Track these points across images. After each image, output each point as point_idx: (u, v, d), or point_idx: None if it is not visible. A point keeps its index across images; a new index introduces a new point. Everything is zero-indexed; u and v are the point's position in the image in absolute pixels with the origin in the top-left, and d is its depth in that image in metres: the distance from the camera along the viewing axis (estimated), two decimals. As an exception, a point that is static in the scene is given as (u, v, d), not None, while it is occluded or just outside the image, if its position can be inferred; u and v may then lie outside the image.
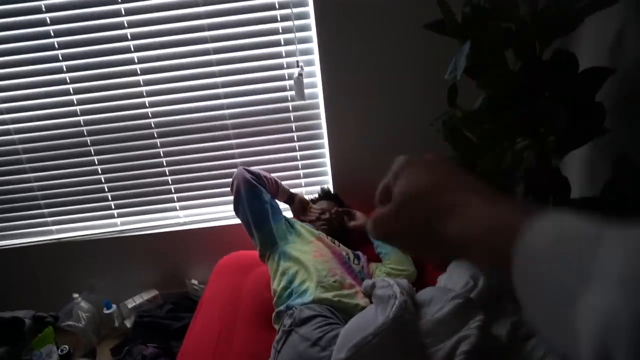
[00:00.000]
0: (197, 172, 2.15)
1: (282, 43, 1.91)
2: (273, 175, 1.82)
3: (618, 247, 0.29)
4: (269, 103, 2.01)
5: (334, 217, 1.85)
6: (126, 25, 1.88)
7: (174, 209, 2.24)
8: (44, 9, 1.85)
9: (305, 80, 1.92)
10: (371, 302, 1.28)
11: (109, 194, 2.19)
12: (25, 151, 2.08)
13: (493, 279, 1.24)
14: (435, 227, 0.40)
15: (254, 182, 1.63)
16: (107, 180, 2.16)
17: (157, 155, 2.11)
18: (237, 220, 1.72)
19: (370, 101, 1.95)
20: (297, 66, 1.91)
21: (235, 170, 2.08)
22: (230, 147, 2.09)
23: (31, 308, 2.16)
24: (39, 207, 2.21)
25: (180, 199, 2.21)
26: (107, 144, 2.08)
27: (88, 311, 2.19)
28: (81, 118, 2.03)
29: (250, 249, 1.86)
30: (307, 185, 2.17)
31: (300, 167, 2.15)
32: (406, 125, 1.97)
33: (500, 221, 0.36)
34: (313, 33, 1.87)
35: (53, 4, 1.85)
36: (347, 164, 2.08)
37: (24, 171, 2.13)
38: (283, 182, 1.87)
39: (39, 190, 2.17)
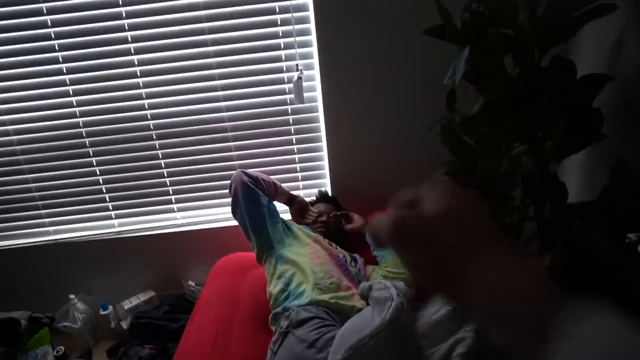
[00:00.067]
0: (195, 174, 2.15)
1: (282, 47, 1.92)
2: (272, 177, 1.82)
3: None
4: (268, 106, 2.02)
5: (332, 221, 1.86)
6: (127, 28, 1.88)
7: (172, 211, 2.24)
8: (45, 12, 1.86)
9: (305, 84, 1.93)
10: (368, 304, 1.28)
11: (106, 195, 2.19)
12: (23, 152, 2.08)
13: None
14: (457, 261, 0.38)
15: (251, 185, 1.63)
16: (105, 182, 2.16)
17: (156, 157, 2.11)
18: (235, 222, 1.72)
19: (369, 105, 1.96)
20: (297, 70, 1.92)
21: (233, 172, 2.09)
22: (228, 149, 2.10)
23: (27, 309, 2.15)
24: (36, 207, 2.20)
25: (178, 201, 2.22)
26: (105, 145, 2.08)
27: (84, 312, 2.18)
28: (80, 119, 2.03)
29: (247, 251, 1.86)
30: (305, 188, 2.18)
31: (298, 169, 2.15)
32: (404, 129, 1.99)
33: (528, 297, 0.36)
34: (313, 37, 1.88)
35: (54, 6, 1.85)
36: (345, 168, 2.09)
37: (22, 172, 2.12)
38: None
39: (36, 191, 2.17)
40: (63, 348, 1.97)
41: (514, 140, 1.36)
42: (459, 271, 0.38)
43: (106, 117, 2.03)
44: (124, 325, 2.21)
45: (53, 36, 1.90)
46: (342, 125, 2.00)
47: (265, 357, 1.31)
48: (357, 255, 1.74)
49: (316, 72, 1.93)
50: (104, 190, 2.18)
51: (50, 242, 2.25)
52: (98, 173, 2.14)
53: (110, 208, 2.22)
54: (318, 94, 1.98)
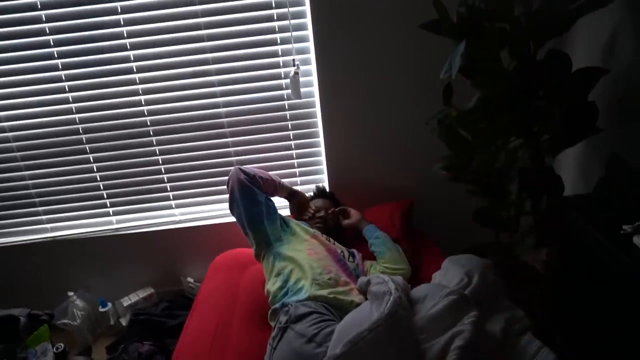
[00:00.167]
0: (192, 170, 2.15)
1: (279, 42, 1.91)
2: (271, 173, 1.81)
3: None
4: (265, 102, 2.02)
5: (330, 217, 1.86)
6: (122, 23, 1.87)
7: (170, 207, 2.24)
8: (39, 7, 1.85)
9: (302, 79, 1.93)
10: (366, 299, 1.29)
11: (104, 192, 2.19)
12: (20, 149, 2.08)
13: (488, 276, 1.26)
14: None
15: (247, 183, 1.62)
16: (103, 178, 2.16)
17: (153, 154, 2.11)
18: (233, 218, 1.72)
19: (366, 100, 1.96)
20: (294, 65, 1.91)
21: (231, 168, 2.09)
22: (226, 145, 2.10)
23: (26, 306, 2.15)
24: (33, 205, 2.20)
25: (176, 197, 2.22)
26: (102, 142, 2.08)
27: (83, 309, 2.19)
28: (77, 116, 2.03)
29: (245, 247, 1.87)
30: (303, 183, 2.18)
31: (296, 165, 2.16)
32: (401, 123, 1.99)
33: None
34: (309, 32, 1.87)
35: (52, 13, 1.85)
36: (342, 162, 2.10)
37: (19, 169, 2.12)
38: (279, 180, 1.87)
39: (33, 188, 2.17)
40: (62, 345, 1.97)
41: (510, 134, 1.37)
42: None
43: (103, 114, 2.03)
44: (123, 322, 2.22)
45: (48, 32, 1.89)
46: (339, 120, 2.00)
47: (265, 353, 1.32)
48: (355, 251, 1.75)
49: (313, 67, 1.93)
50: (102, 187, 2.17)
51: (48, 239, 2.25)
52: (95, 170, 2.13)
53: (108, 205, 2.22)
54: (315, 89, 1.98)
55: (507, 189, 1.43)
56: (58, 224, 2.25)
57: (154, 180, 2.17)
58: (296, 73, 1.89)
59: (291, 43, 1.90)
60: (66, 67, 1.94)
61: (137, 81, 1.97)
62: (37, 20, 1.87)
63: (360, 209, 1.93)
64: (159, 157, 2.12)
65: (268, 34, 1.90)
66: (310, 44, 1.90)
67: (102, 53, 1.92)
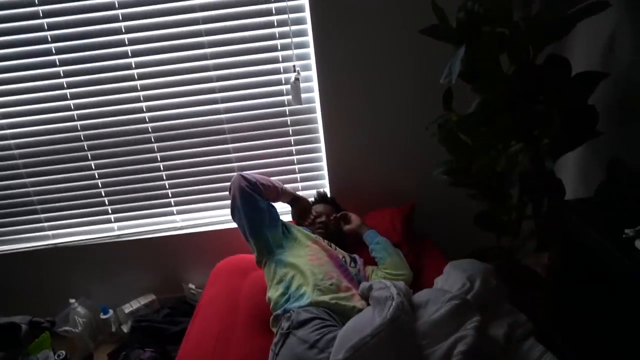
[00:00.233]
0: (194, 176, 2.15)
1: (279, 48, 1.92)
2: (273, 179, 1.81)
3: None
4: (266, 107, 2.02)
5: (332, 222, 1.86)
6: (123, 30, 1.89)
7: (171, 214, 2.24)
8: (41, 15, 1.86)
9: (302, 85, 1.94)
10: (368, 305, 1.29)
11: (105, 199, 2.19)
12: (22, 156, 2.08)
13: (491, 281, 1.25)
14: None
15: (248, 190, 1.61)
16: (104, 185, 2.16)
17: (154, 160, 2.11)
18: (234, 224, 1.72)
19: (367, 105, 1.97)
20: (294, 71, 1.92)
21: (233, 174, 2.09)
22: (227, 151, 2.10)
23: (27, 313, 2.15)
24: (35, 212, 2.20)
25: (177, 204, 2.22)
26: (103, 149, 2.08)
27: (85, 316, 2.18)
28: (78, 123, 2.03)
29: (247, 253, 1.86)
30: (304, 188, 2.18)
31: (297, 170, 2.16)
32: (402, 128, 1.99)
33: None
34: (309, 38, 1.88)
35: (50, 9, 1.86)
36: (343, 168, 2.10)
37: (21, 176, 2.12)
38: (281, 186, 1.88)
39: (35, 195, 2.17)
40: (64, 352, 1.97)
41: (510, 138, 1.37)
42: None
43: (104, 120, 2.03)
44: (125, 328, 2.21)
45: (49, 39, 1.90)
46: (340, 125, 2.00)
47: (267, 359, 1.32)
48: (356, 256, 1.75)
49: (313, 72, 1.94)
50: (103, 194, 2.18)
51: (49, 246, 2.25)
52: (97, 176, 2.14)
53: (110, 211, 2.22)
54: (316, 95, 1.98)
55: (508, 193, 1.43)
56: (59, 231, 2.26)
57: (155, 186, 2.17)
58: (297, 79, 1.90)
59: (291, 49, 1.91)
60: (68, 74, 1.95)
61: (139, 88, 1.98)
62: (39, 28, 1.88)
63: (361, 213, 1.93)
64: (161, 164, 2.12)
65: (268, 40, 1.91)
66: (311, 50, 1.90)
67: (104, 60, 1.93)
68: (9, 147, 2.06)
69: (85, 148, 2.08)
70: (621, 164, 1.33)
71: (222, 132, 2.06)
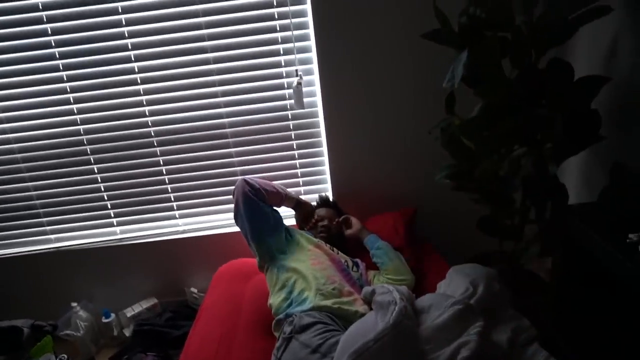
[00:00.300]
0: (196, 180, 2.16)
1: (281, 52, 1.93)
2: (277, 184, 1.81)
3: None
4: (269, 112, 2.03)
5: (334, 226, 1.86)
6: (127, 35, 1.89)
7: (174, 217, 2.24)
8: (45, 20, 1.87)
9: (304, 89, 1.94)
10: (370, 309, 1.28)
11: (108, 203, 2.19)
12: (24, 160, 2.09)
13: (494, 285, 1.25)
14: None
15: (251, 195, 1.62)
16: (107, 189, 2.16)
17: (157, 164, 2.12)
18: (236, 228, 1.72)
19: (369, 109, 1.97)
20: (296, 75, 1.93)
21: (235, 178, 2.09)
22: (229, 155, 2.10)
23: (29, 317, 2.15)
24: (37, 215, 2.21)
25: (179, 207, 2.22)
26: (106, 153, 2.09)
27: (87, 320, 2.18)
28: (81, 127, 2.04)
29: (249, 257, 1.86)
30: (306, 193, 2.18)
31: (299, 174, 2.16)
32: (404, 132, 1.99)
33: None
34: (312, 43, 1.89)
35: (54, 14, 1.87)
36: (346, 171, 2.10)
37: (23, 180, 2.13)
38: (283, 190, 1.87)
39: (37, 199, 2.17)
40: (66, 356, 1.97)
41: (513, 142, 1.37)
42: None
43: (107, 124, 2.04)
44: (127, 332, 2.21)
45: (53, 44, 1.91)
46: (342, 129, 2.01)
47: (269, 363, 1.32)
48: (358, 260, 1.74)
49: (316, 77, 1.94)
50: (106, 198, 2.18)
51: (52, 249, 2.25)
52: (99, 180, 2.14)
53: (112, 215, 2.22)
54: (318, 99, 1.99)
55: (511, 197, 1.43)
56: (62, 235, 2.26)
57: (157, 190, 2.17)
58: (299, 83, 1.90)
59: (294, 53, 1.92)
60: (71, 78, 1.96)
61: (141, 92, 1.99)
62: (43, 33, 1.89)
63: (363, 217, 1.93)
64: (163, 168, 2.12)
65: (271, 44, 1.92)
66: (313, 54, 1.91)
67: (107, 65, 1.94)
68: (12, 151, 2.07)
69: (88, 152, 2.08)
70: (624, 168, 1.33)
71: (225, 136, 2.06)
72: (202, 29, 1.88)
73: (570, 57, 1.49)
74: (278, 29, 1.89)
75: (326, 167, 2.12)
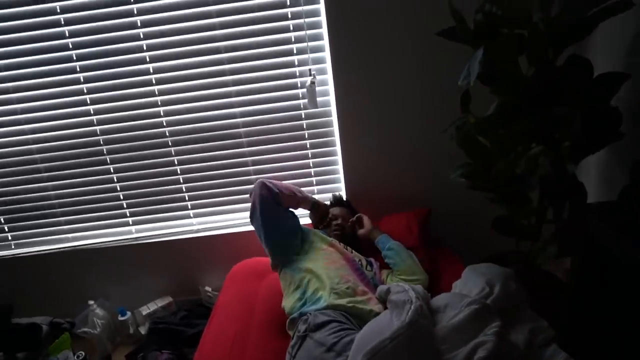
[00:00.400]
0: (210, 179, 2.17)
1: (295, 52, 1.93)
2: (294, 186, 1.81)
3: None
4: (282, 111, 2.03)
5: (348, 225, 1.86)
6: (142, 36, 1.92)
7: (188, 217, 2.26)
8: (62, 23, 1.90)
9: (318, 89, 1.94)
10: (385, 308, 1.28)
11: (124, 202, 2.22)
12: (43, 160, 2.13)
13: (510, 285, 1.23)
14: None
15: (268, 198, 1.62)
16: (122, 189, 2.19)
17: (171, 164, 2.14)
18: (250, 227, 1.73)
19: (383, 108, 1.96)
20: (310, 75, 1.93)
21: (248, 177, 2.10)
22: (243, 155, 2.11)
23: (48, 314, 2.19)
24: (55, 215, 2.25)
25: (193, 207, 2.24)
26: (122, 153, 2.12)
27: (103, 318, 2.21)
28: (97, 127, 2.07)
29: (263, 256, 1.87)
30: (320, 192, 2.18)
31: (313, 174, 2.16)
32: (418, 131, 1.98)
33: None
34: (325, 42, 1.89)
35: (71, 17, 1.90)
36: (359, 171, 2.09)
37: (41, 179, 2.17)
38: (296, 190, 1.87)
39: (55, 198, 2.21)
40: (83, 353, 2.00)
41: (530, 140, 1.35)
42: None
43: (123, 125, 2.07)
44: (142, 330, 2.24)
45: (70, 46, 1.94)
46: (355, 128, 2.00)
47: (283, 361, 1.32)
48: (372, 260, 1.74)
49: (329, 76, 1.94)
50: (121, 197, 2.21)
51: (69, 248, 2.29)
52: (115, 180, 2.17)
53: (128, 214, 2.25)
54: (331, 99, 1.98)
55: (528, 197, 1.41)
56: (79, 234, 2.29)
57: (172, 190, 2.19)
58: (312, 82, 1.90)
59: (307, 53, 1.92)
60: (87, 80, 1.99)
61: (156, 93, 2.01)
62: (61, 36, 1.92)
63: (377, 216, 1.92)
64: (177, 167, 2.14)
65: (284, 44, 1.92)
66: (327, 54, 1.91)
67: (123, 66, 1.97)
68: (30, 152, 2.11)
69: (104, 152, 2.11)
70: (645, 166, 1.30)
71: (238, 135, 2.07)
72: (216, 29, 1.90)
73: (590, 53, 1.46)
74: (291, 28, 1.89)
75: (339, 167, 2.12)
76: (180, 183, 2.18)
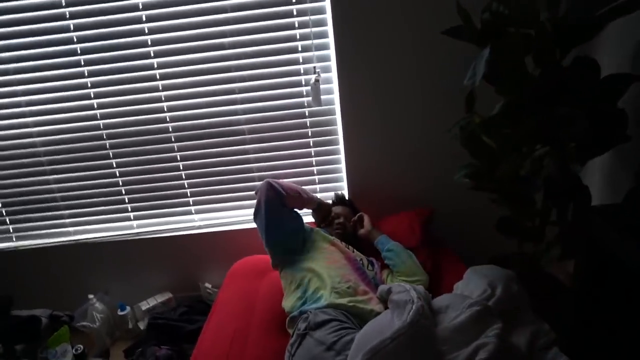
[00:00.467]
0: (212, 176, 2.17)
1: (300, 49, 1.92)
2: (298, 186, 1.80)
3: None
4: (286, 109, 2.03)
5: (349, 224, 1.85)
6: (146, 31, 1.91)
7: (190, 213, 2.26)
8: (67, 16, 1.90)
9: (322, 87, 1.94)
10: (386, 308, 1.27)
11: (126, 197, 2.22)
12: (46, 153, 2.13)
13: (512, 287, 1.22)
14: None
15: (273, 199, 1.61)
16: (125, 183, 2.19)
17: (174, 160, 2.14)
18: (252, 225, 1.72)
19: (387, 107, 1.95)
20: (314, 72, 1.92)
21: (251, 174, 2.09)
22: (246, 152, 2.11)
23: (48, 307, 2.19)
24: (58, 208, 2.25)
25: (195, 203, 2.23)
26: (125, 148, 2.12)
27: (102, 312, 2.21)
28: (100, 121, 2.07)
29: (264, 254, 1.86)
30: (322, 191, 2.17)
31: (315, 172, 2.15)
32: (422, 131, 1.97)
33: None
34: (330, 40, 1.88)
35: (76, 11, 1.90)
36: (362, 170, 2.08)
37: (44, 173, 2.17)
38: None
39: (58, 192, 2.21)
40: (82, 347, 2.00)
41: (535, 141, 1.34)
42: None
43: (126, 120, 2.07)
44: (141, 325, 2.23)
45: (75, 40, 1.94)
46: (359, 127, 1.99)
47: (282, 359, 1.31)
48: (373, 259, 1.73)
49: (334, 74, 1.93)
50: (124, 192, 2.21)
51: (70, 242, 2.29)
52: (118, 175, 2.17)
53: (129, 209, 2.25)
54: (335, 97, 1.98)
55: (532, 198, 1.40)
56: (80, 228, 2.30)
57: (174, 185, 2.19)
58: (317, 80, 1.90)
59: (312, 51, 1.91)
60: (92, 74, 1.99)
61: (160, 88, 2.00)
62: (65, 29, 1.92)
63: (379, 216, 1.91)
64: (180, 163, 2.14)
65: (289, 41, 1.92)
66: (331, 52, 1.90)
67: (127, 60, 1.97)
68: (34, 145, 2.11)
69: (107, 147, 2.11)
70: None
71: (242, 132, 2.07)
72: (221, 25, 1.89)
73: (597, 54, 1.45)
74: (297, 25, 1.89)
75: (342, 165, 2.11)
76: (182, 179, 2.18)
